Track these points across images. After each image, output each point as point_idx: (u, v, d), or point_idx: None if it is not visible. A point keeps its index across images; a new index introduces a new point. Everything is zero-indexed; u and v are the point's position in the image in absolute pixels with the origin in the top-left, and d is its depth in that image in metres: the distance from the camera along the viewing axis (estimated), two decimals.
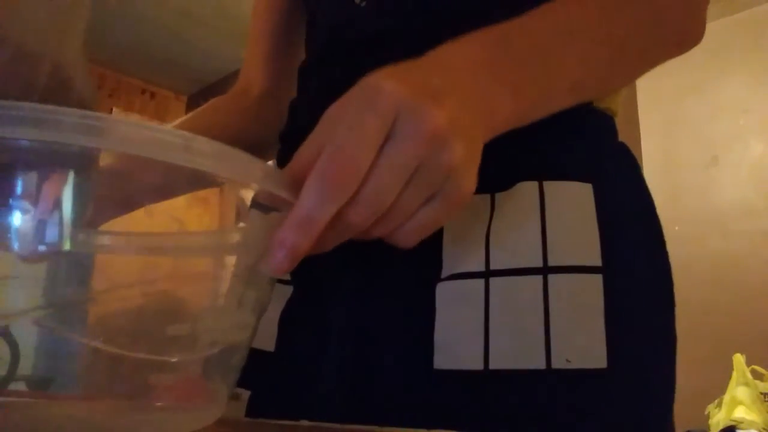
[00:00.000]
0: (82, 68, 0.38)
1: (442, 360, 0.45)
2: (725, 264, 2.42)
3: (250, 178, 0.30)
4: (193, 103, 4.23)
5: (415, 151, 0.32)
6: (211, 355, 0.33)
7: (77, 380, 0.32)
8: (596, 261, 0.45)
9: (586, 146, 0.50)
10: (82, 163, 0.28)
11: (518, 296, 0.44)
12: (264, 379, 0.52)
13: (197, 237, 0.35)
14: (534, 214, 0.46)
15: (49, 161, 0.27)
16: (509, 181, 0.48)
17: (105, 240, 0.32)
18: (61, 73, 0.35)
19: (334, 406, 0.48)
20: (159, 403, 0.32)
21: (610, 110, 0.53)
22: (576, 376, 0.42)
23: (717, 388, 1.82)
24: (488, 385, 0.43)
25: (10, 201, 0.27)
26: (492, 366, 0.43)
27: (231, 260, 0.35)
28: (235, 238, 0.35)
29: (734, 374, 1.82)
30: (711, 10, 0.50)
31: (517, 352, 0.43)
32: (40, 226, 0.28)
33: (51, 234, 0.28)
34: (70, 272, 0.30)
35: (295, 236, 0.32)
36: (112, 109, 4.00)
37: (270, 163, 0.37)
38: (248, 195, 0.34)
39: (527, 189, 0.47)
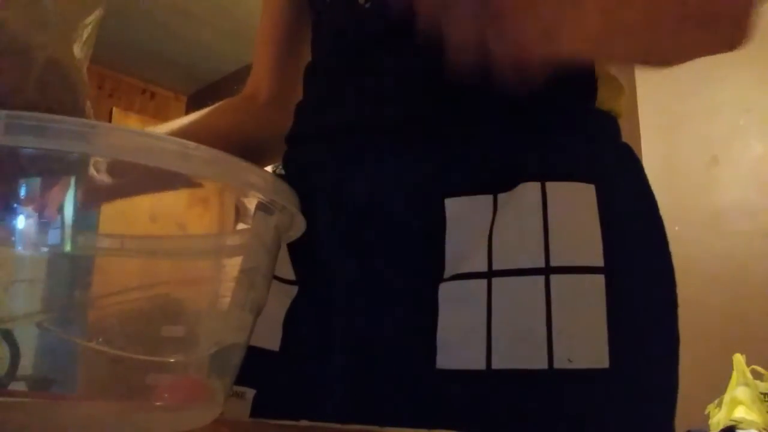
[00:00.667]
0: (81, 67, 0.38)
1: (444, 360, 0.45)
2: (725, 264, 2.42)
3: (250, 186, 0.30)
4: (193, 103, 4.23)
5: None
6: (210, 356, 0.34)
7: (77, 380, 0.32)
8: (598, 261, 0.45)
9: (589, 147, 0.50)
10: (81, 168, 0.28)
11: (521, 296, 0.44)
12: (269, 378, 0.52)
13: (199, 240, 0.35)
14: (536, 214, 0.46)
15: (49, 167, 0.27)
16: (512, 181, 0.48)
17: (106, 243, 0.32)
18: (58, 69, 0.35)
19: (338, 405, 0.48)
20: (158, 403, 0.32)
21: (613, 112, 0.53)
22: (578, 376, 0.42)
23: (717, 388, 1.82)
24: (490, 384, 0.43)
25: (14, 205, 0.27)
26: (494, 366, 0.43)
27: (232, 262, 0.35)
28: (239, 240, 0.36)
29: (734, 374, 1.82)
30: None
31: (519, 352, 0.43)
32: (43, 228, 0.28)
33: (53, 236, 0.28)
34: (71, 275, 0.30)
35: None
36: (112, 109, 4.01)
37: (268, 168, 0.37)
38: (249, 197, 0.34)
39: (530, 189, 0.47)
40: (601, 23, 0.39)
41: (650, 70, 0.51)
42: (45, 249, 0.29)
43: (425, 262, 0.48)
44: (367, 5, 0.54)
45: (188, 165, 0.28)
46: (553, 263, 0.45)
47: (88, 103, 0.39)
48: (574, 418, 0.43)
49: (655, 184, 0.52)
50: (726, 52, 0.47)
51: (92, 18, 0.39)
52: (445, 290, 0.47)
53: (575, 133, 0.49)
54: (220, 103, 0.72)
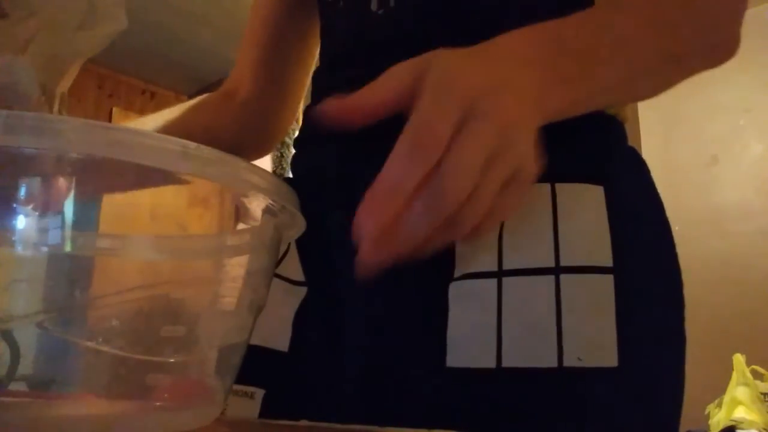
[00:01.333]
0: (32, 72, 0.38)
1: (454, 358, 0.46)
2: (725, 264, 2.42)
3: (250, 186, 0.30)
4: None
5: (494, 131, 0.34)
6: (210, 356, 0.34)
7: (77, 380, 0.32)
8: (607, 261, 0.46)
9: (598, 150, 0.51)
10: (80, 167, 0.28)
11: (531, 296, 0.45)
12: (278, 378, 0.53)
13: (199, 240, 0.35)
14: (546, 215, 0.47)
15: (49, 167, 0.27)
16: None
17: (107, 243, 0.32)
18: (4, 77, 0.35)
19: (348, 405, 0.49)
20: (158, 403, 0.32)
21: (620, 116, 0.54)
22: (587, 375, 0.43)
23: (717, 388, 1.82)
24: (500, 382, 0.44)
25: (13, 205, 0.27)
26: (504, 364, 0.44)
27: (232, 262, 0.35)
28: (239, 240, 0.36)
29: (734, 374, 1.82)
30: None
31: (529, 350, 0.44)
32: (42, 228, 0.28)
33: (53, 236, 0.28)
34: (71, 275, 0.30)
35: (381, 205, 0.32)
36: (112, 109, 4.01)
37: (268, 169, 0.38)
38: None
39: (540, 191, 0.47)
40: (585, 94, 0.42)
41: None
42: (45, 249, 0.29)
43: (435, 262, 0.48)
44: (380, 11, 0.54)
45: (188, 165, 0.28)
46: (563, 263, 0.45)
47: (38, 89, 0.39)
48: (584, 416, 0.43)
49: (655, 184, 0.52)
50: (712, 66, 0.48)
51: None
52: (455, 289, 0.47)
53: (584, 136, 0.49)
54: (198, 99, 0.72)
